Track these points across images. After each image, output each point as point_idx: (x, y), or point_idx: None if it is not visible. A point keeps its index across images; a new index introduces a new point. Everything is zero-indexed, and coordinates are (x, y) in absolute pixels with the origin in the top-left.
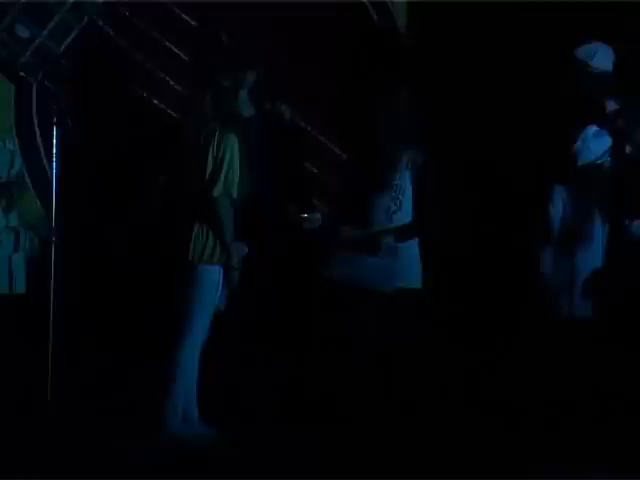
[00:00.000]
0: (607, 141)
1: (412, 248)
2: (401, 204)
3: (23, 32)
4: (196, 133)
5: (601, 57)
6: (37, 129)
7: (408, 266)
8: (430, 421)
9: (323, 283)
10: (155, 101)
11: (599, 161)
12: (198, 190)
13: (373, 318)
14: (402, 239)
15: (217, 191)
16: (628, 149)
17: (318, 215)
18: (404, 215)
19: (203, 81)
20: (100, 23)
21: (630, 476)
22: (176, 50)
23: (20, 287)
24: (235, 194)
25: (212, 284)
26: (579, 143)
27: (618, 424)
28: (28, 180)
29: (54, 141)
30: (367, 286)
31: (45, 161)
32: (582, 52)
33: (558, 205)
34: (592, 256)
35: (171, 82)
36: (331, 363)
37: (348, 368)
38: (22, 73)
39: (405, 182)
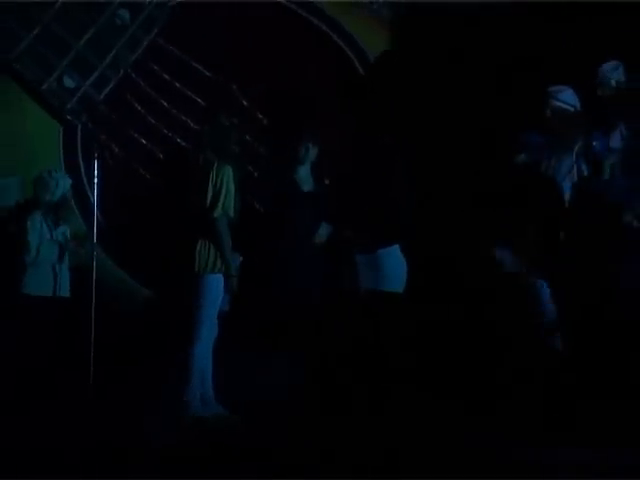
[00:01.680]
0: None
1: (393, 254)
2: None
3: (70, 83)
4: (198, 164)
5: (577, 99)
6: (81, 162)
7: (389, 270)
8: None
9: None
10: (178, 139)
11: None
12: (201, 212)
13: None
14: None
15: (217, 212)
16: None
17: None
18: None
19: (208, 120)
20: (133, 75)
21: None
22: (194, 96)
23: (65, 291)
24: (232, 214)
25: (215, 290)
26: None
27: None
28: (73, 203)
29: (95, 172)
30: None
31: (87, 188)
32: (567, 96)
33: None
34: None
35: (191, 123)
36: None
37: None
38: (69, 117)
39: None
